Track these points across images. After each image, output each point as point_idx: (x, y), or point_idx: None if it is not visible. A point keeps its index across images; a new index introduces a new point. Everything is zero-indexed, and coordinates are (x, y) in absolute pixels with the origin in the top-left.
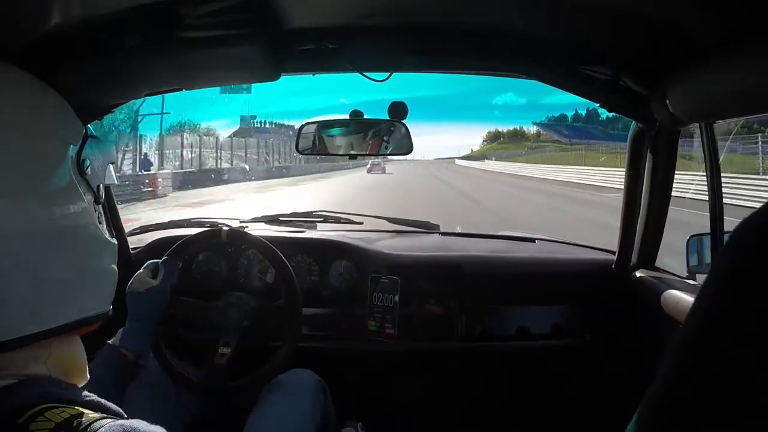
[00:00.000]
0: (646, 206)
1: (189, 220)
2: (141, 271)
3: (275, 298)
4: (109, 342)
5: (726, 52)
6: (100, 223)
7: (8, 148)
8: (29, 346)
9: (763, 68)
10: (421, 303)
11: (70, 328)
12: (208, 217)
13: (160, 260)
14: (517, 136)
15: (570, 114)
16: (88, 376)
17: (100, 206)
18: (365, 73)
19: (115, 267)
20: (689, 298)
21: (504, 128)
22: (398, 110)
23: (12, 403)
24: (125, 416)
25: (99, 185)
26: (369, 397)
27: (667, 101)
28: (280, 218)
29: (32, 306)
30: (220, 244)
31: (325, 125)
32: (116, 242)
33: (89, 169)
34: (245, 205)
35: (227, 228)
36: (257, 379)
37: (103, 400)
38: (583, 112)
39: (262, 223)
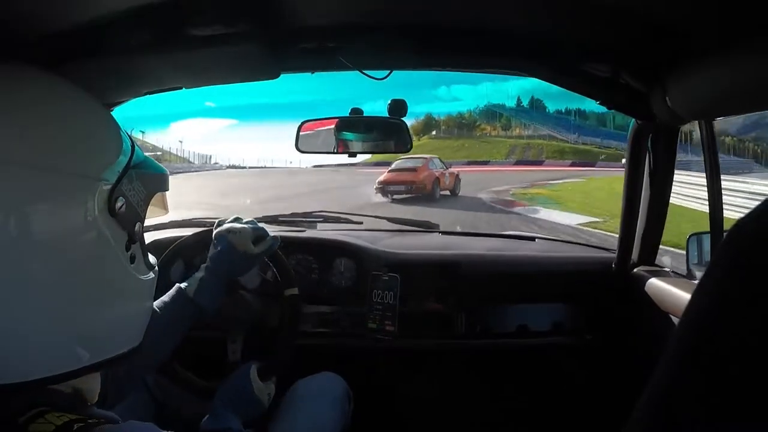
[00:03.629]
0: (646, 204)
1: (189, 220)
2: (247, 228)
3: (276, 297)
4: (181, 287)
5: (725, 49)
6: (132, 262)
7: (15, 180)
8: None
9: (763, 65)
10: (421, 301)
11: (97, 367)
12: (208, 217)
13: (269, 235)
14: (463, 127)
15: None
16: (96, 399)
17: (138, 243)
18: (365, 71)
19: (151, 303)
20: (689, 297)
21: (438, 117)
22: (398, 108)
23: (12, 404)
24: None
25: (136, 223)
26: (368, 395)
27: (667, 98)
28: (280, 218)
29: (60, 347)
30: None
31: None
32: (153, 276)
33: (123, 207)
34: None
35: None
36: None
37: (99, 410)
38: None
39: (263, 223)
